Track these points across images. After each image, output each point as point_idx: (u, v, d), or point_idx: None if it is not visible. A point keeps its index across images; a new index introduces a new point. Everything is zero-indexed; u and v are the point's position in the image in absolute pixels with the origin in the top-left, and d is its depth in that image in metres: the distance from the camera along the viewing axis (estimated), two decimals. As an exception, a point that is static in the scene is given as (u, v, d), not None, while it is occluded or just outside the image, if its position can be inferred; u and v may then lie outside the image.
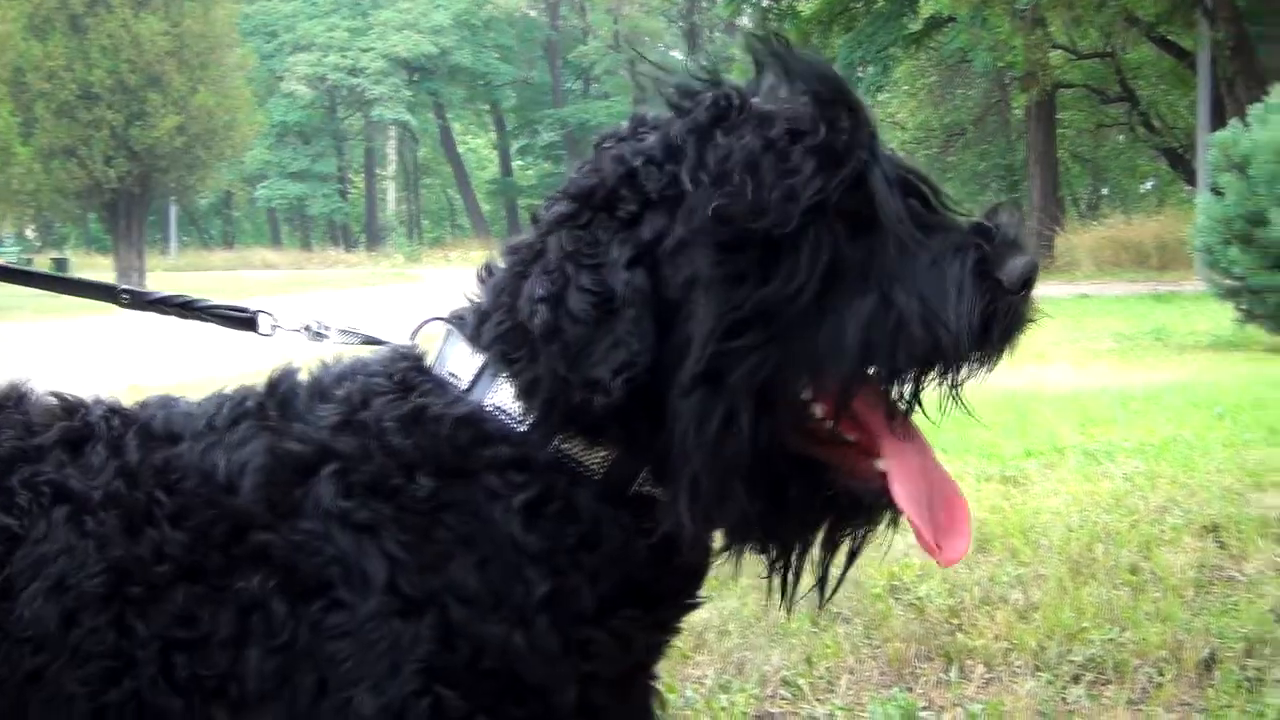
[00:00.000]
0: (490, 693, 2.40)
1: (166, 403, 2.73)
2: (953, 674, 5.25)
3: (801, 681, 5.16)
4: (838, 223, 2.33)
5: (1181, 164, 48.20)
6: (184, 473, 2.53)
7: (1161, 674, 5.14)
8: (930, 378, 2.42)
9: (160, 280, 44.67)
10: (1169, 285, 33.09)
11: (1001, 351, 2.42)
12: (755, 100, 2.46)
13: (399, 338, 2.89)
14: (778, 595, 2.60)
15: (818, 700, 5.05)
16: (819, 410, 2.43)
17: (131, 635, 2.42)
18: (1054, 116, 48.13)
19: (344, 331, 3.18)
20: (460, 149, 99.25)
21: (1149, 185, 65.65)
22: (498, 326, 2.51)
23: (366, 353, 2.78)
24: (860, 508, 2.51)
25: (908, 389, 2.44)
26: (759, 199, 2.30)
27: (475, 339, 2.56)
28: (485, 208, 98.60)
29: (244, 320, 3.23)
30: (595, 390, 2.33)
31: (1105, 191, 67.09)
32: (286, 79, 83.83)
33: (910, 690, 5.12)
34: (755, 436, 2.33)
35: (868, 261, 2.35)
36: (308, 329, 3.20)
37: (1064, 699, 4.98)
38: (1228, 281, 20.17)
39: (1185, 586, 6.13)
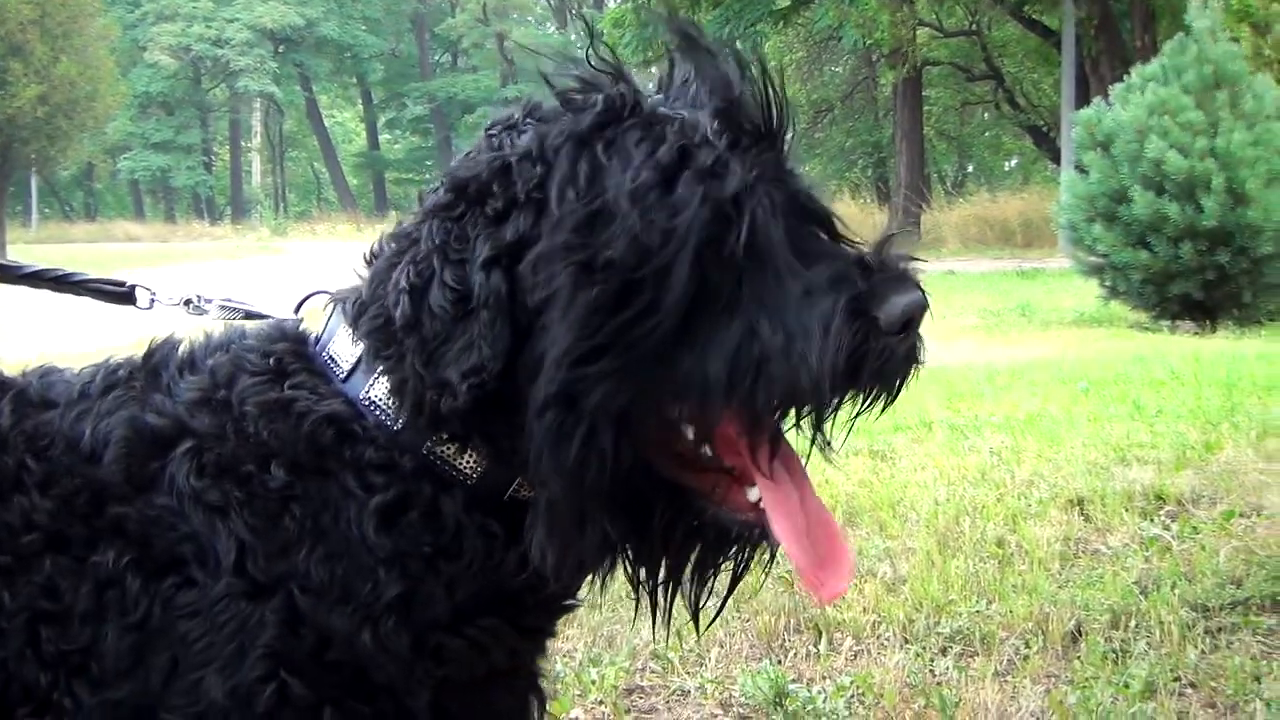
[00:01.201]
0: (337, 685, 2.36)
1: (48, 371, 2.68)
2: (822, 646, 5.26)
3: (671, 655, 5.15)
4: (709, 248, 2.24)
5: (1046, 142, 48.74)
6: (52, 439, 2.48)
7: (1028, 646, 5.19)
8: (793, 417, 2.34)
9: (21, 253, 43.91)
10: (1034, 262, 33.54)
11: (876, 396, 2.34)
12: (651, 105, 2.36)
13: (281, 312, 2.83)
14: (651, 623, 2.58)
15: (688, 673, 5.05)
16: (691, 433, 2.38)
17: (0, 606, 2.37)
18: (921, 94, 48.62)
19: (225, 305, 3.11)
20: (327, 122, 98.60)
21: (1014, 163, 66.47)
22: (372, 320, 2.44)
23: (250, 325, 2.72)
24: (728, 539, 2.45)
25: (773, 424, 2.35)
26: (636, 239, 2.20)
27: (353, 328, 2.50)
28: (352, 181, 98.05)
29: (121, 294, 3.18)
30: (444, 392, 2.29)
31: (971, 169, 67.84)
32: (150, 49, 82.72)
33: (780, 663, 5.14)
34: (616, 461, 2.27)
35: (738, 288, 2.26)
36: (188, 303, 3.14)
37: (932, 671, 5.02)
38: (1091, 258, 20.49)
39: (1051, 559, 6.18)
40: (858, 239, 2.44)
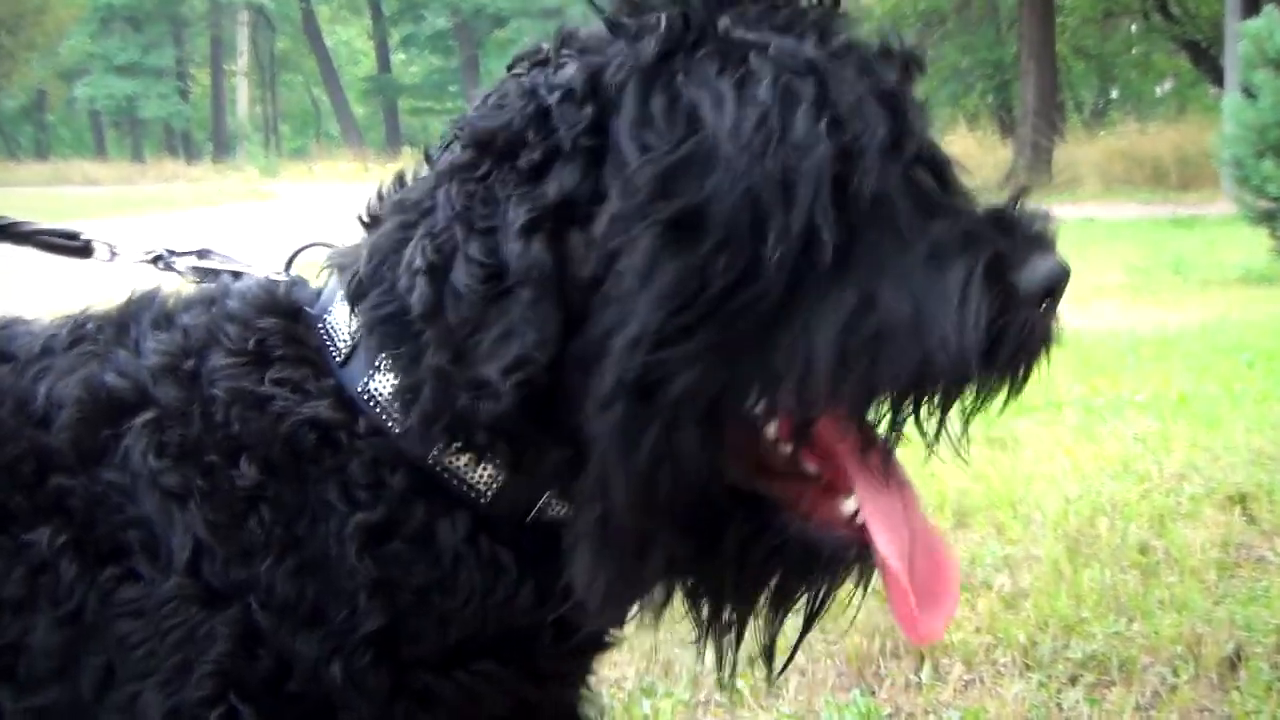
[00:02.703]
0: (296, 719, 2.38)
1: (10, 322, 2.72)
2: (925, 674, 5.28)
3: (741, 684, 5.16)
4: (830, 200, 2.18)
5: (1206, 60, 48.37)
6: (1, 398, 2.51)
7: (1176, 674, 5.19)
8: (915, 404, 2.30)
9: (-43, 199, 44.03)
10: (1191, 207, 33.29)
11: (1010, 380, 2.33)
12: (723, 29, 2.30)
13: (268, 268, 2.84)
14: (714, 664, 2.53)
15: (761, 706, 5.06)
16: (772, 432, 2.33)
17: None
18: (1053, 1, 48.22)
19: (201, 263, 3.08)
20: (328, 39, 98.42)
21: (1167, 86, 65.95)
22: (375, 310, 2.39)
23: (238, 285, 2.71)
24: (818, 560, 2.39)
25: (888, 415, 2.31)
26: (748, 190, 2.16)
27: (352, 309, 2.47)
28: (359, 111, 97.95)
29: (76, 248, 3.20)
30: (482, 393, 2.23)
31: (1114, 94, 67.38)
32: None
33: (873, 694, 5.16)
34: (696, 467, 2.23)
35: (849, 248, 2.20)
36: (158, 259, 3.15)
37: (1059, 704, 5.02)
38: (1261, 203, 20.29)
39: (1206, 569, 6.19)
40: (975, 189, 2.41)
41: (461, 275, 2.22)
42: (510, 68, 2.44)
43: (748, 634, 2.50)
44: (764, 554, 2.37)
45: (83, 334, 2.60)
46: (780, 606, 2.46)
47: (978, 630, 5.56)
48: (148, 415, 2.42)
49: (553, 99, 2.28)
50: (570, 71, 2.30)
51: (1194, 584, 5.95)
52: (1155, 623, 5.53)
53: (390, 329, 2.36)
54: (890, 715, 4.95)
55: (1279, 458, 7.83)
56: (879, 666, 5.36)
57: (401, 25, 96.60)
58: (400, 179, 2.54)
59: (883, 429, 2.34)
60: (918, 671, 5.30)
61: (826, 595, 2.45)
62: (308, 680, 2.35)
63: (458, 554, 2.39)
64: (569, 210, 2.23)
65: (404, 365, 2.35)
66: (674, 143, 2.19)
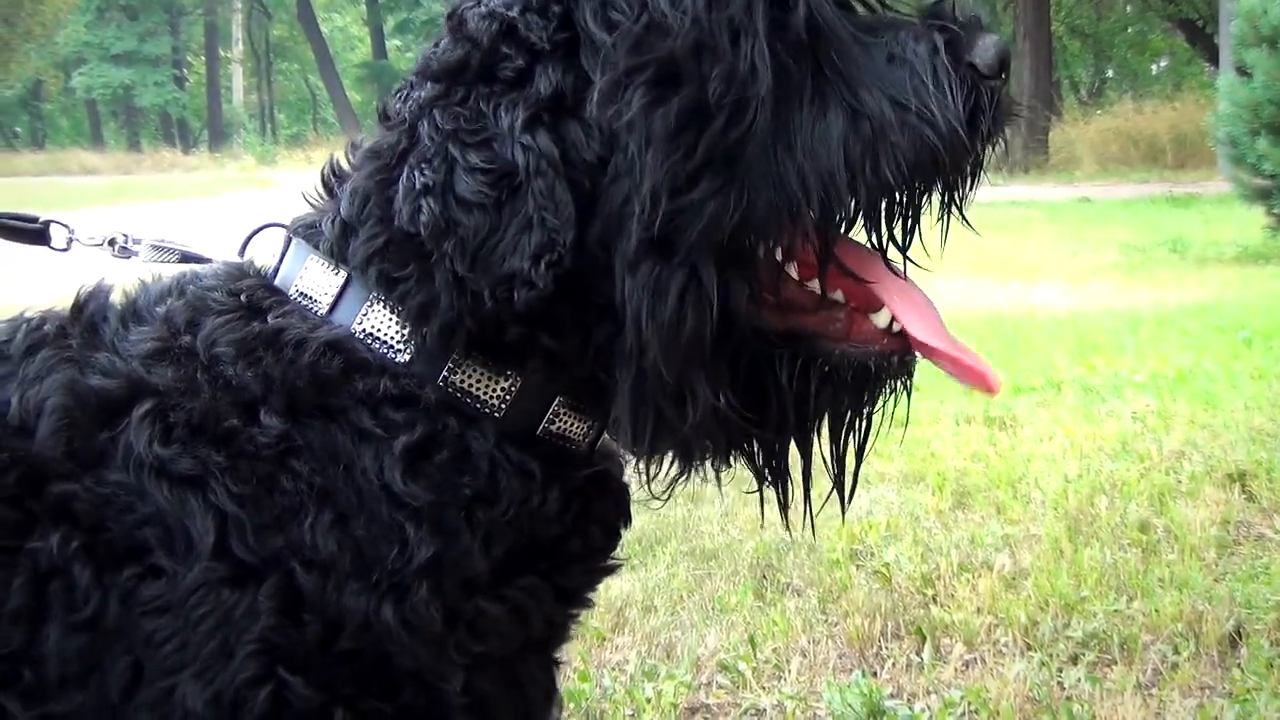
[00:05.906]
0: (349, 679, 2.35)
1: None
2: (926, 654, 5.27)
3: (743, 666, 5.17)
4: (776, 36, 2.37)
5: (1201, 39, 48.33)
6: None
7: (1177, 652, 5.18)
8: (924, 194, 2.51)
9: (-46, 189, 43.73)
10: (1187, 186, 33.31)
11: (992, 147, 2.52)
12: None
13: (225, 253, 2.85)
14: (778, 510, 2.68)
15: (763, 688, 5.06)
16: (794, 272, 2.50)
17: None
18: (1047, -18, 48.17)
19: (158, 246, 3.13)
20: (323, 26, 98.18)
21: (1163, 65, 65.92)
22: (370, 241, 2.47)
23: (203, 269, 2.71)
24: (868, 375, 2.55)
25: (897, 216, 2.53)
26: (698, 41, 2.32)
27: (337, 254, 2.53)
28: (355, 98, 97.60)
29: (32, 233, 3.19)
30: (514, 286, 2.30)
31: (1110, 73, 67.32)
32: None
33: (875, 675, 5.15)
34: (724, 307, 2.37)
35: (819, 76, 2.41)
36: (113, 243, 3.15)
37: (1060, 683, 5.01)
38: (1256, 180, 20.26)
39: (1206, 547, 6.18)
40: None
41: (467, 185, 2.32)
42: (451, 15, 2.56)
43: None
44: (818, 382, 2.54)
45: (41, 337, 2.54)
46: (844, 430, 2.64)
47: (979, 610, 5.55)
48: (145, 406, 2.39)
49: (514, 12, 2.42)
50: None
51: (1194, 562, 5.95)
52: (1156, 601, 5.52)
53: (393, 255, 2.45)
54: (892, 695, 4.93)
55: (1278, 435, 7.82)
56: (880, 648, 5.36)
57: (396, 11, 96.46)
58: (354, 146, 2.65)
59: (898, 228, 2.57)
60: (919, 652, 5.29)
61: (882, 407, 2.62)
62: (359, 636, 2.35)
63: (493, 460, 2.45)
64: (560, 102, 2.37)
65: (412, 287, 2.43)
66: (635, 16, 2.35)
